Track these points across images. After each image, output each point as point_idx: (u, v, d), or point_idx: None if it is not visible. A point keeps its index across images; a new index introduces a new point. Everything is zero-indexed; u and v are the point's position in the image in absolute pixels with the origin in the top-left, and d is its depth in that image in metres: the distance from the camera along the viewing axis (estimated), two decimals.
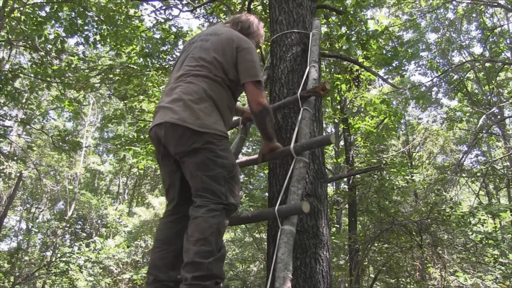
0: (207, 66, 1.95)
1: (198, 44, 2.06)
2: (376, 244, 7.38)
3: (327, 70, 7.57)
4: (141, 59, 7.26)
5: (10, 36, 6.91)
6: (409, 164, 14.32)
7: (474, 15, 13.69)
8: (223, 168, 1.82)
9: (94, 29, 7.09)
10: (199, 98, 1.86)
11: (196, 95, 1.86)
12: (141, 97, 8.44)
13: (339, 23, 5.50)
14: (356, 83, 6.17)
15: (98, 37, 7.07)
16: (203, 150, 1.80)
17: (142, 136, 8.52)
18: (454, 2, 11.43)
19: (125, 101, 8.25)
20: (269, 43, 3.08)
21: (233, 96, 2.06)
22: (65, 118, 17.73)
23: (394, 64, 6.34)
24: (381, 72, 8.75)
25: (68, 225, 16.16)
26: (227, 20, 2.29)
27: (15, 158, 8.28)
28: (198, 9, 7.34)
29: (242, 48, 2.00)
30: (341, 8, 5.22)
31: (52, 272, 12.95)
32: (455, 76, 13.29)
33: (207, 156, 1.79)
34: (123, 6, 7.07)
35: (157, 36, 7.44)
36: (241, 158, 2.60)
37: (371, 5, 9.55)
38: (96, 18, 6.97)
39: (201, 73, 1.93)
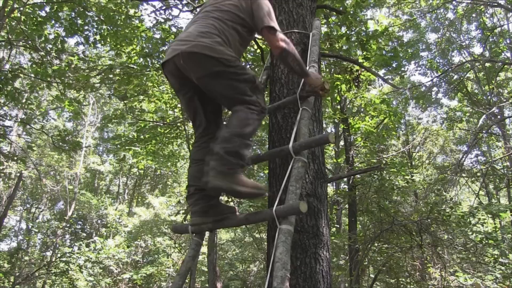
0: (225, 10, 2.08)
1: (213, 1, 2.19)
2: (376, 244, 7.37)
3: (327, 70, 7.57)
4: (141, 59, 7.27)
5: (10, 36, 6.91)
6: (409, 164, 14.31)
7: (474, 15, 13.68)
8: (246, 83, 1.97)
9: (94, 29, 7.08)
10: (213, 33, 1.97)
11: (212, 29, 1.98)
12: (141, 97, 8.45)
13: (339, 23, 5.50)
14: (356, 83, 6.17)
15: (98, 37, 7.07)
16: (224, 73, 1.92)
17: (142, 136, 8.52)
18: (454, 2, 11.43)
19: (125, 101, 8.26)
20: None
21: (246, 40, 2.18)
22: (65, 118, 17.73)
23: (394, 65, 6.33)
24: (381, 72, 8.74)
25: (68, 225, 16.18)
26: None
27: (15, 158, 8.27)
28: (198, 9, 7.33)
29: None
30: (341, 8, 5.22)
31: (52, 272, 12.95)
32: (455, 76, 13.28)
33: (230, 78, 1.93)
34: (123, 6, 7.07)
35: (157, 36, 7.43)
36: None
37: (371, 5, 9.54)
38: (96, 18, 6.97)
39: (217, 15, 2.06)
